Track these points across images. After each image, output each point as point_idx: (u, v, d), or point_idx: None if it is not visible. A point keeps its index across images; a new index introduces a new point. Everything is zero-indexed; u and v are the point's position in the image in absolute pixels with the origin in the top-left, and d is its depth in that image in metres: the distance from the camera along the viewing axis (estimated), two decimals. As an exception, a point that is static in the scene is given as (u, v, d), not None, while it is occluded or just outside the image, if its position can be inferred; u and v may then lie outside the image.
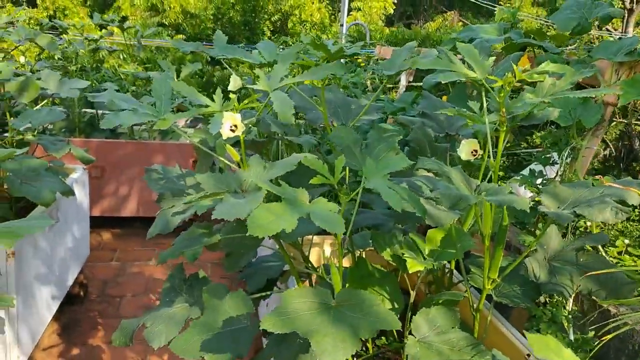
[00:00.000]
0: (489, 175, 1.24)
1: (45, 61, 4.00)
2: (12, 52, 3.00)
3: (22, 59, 3.86)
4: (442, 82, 2.50)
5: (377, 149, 1.22)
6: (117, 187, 4.07)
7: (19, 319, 2.03)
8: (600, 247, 1.68)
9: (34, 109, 2.49)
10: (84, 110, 4.16)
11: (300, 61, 1.27)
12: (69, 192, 2.26)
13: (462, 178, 1.09)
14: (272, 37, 17.93)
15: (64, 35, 4.28)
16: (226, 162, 1.26)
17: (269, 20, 17.81)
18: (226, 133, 1.16)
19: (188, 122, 5.03)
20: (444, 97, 2.36)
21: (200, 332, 1.19)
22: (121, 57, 8.25)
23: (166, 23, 16.08)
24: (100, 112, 4.30)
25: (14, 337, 2.00)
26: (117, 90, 4.36)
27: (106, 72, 5.15)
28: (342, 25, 8.31)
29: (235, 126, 1.18)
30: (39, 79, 2.62)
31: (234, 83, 1.68)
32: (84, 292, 3.06)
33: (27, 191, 1.92)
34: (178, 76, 4.54)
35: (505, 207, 1.13)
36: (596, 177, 1.60)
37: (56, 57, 4.28)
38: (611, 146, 3.86)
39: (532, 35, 1.92)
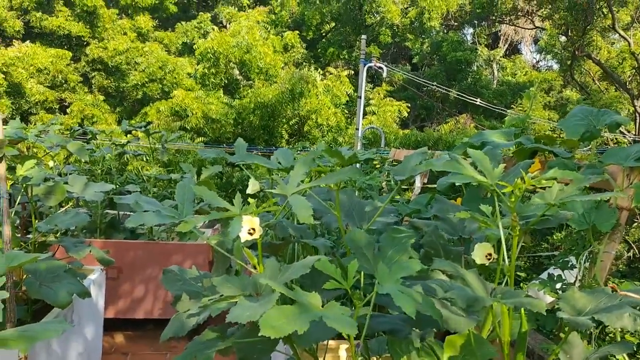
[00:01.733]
0: (505, 279, 1.24)
1: (73, 165, 4.17)
2: (43, 158, 3.16)
3: (51, 163, 4.03)
4: (456, 184, 2.54)
5: (390, 252, 1.24)
6: (133, 288, 4.06)
7: None
8: (626, 356, 1.61)
9: (59, 211, 2.56)
10: (106, 211, 4.27)
11: (315, 168, 1.33)
12: (85, 293, 2.27)
13: (477, 280, 1.09)
14: (290, 140, 18.58)
15: (92, 140, 4.50)
16: (243, 264, 1.28)
17: (287, 124, 18.54)
18: (244, 236, 1.19)
19: (206, 222, 5.11)
20: (459, 199, 2.39)
21: None
22: (144, 159, 8.57)
23: (188, 127, 16.82)
24: (121, 213, 4.40)
25: None
26: (140, 192, 4.49)
27: (129, 174, 5.34)
28: (357, 129, 8.63)
29: (253, 229, 1.21)
30: (66, 182, 2.73)
31: (253, 187, 1.74)
32: (92, 399, 2.96)
33: (45, 294, 1.93)
34: (199, 178, 4.69)
35: (523, 311, 1.12)
36: (615, 282, 1.57)
37: (83, 161, 4.47)
38: (634, 247, 3.79)
39: (542, 141, 1.98)
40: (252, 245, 1.39)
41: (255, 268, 1.30)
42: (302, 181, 1.25)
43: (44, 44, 18.69)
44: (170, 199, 4.55)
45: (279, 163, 1.47)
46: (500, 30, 30.10)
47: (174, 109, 17.01)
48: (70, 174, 3.87)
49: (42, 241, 2.67)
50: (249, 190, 1.75)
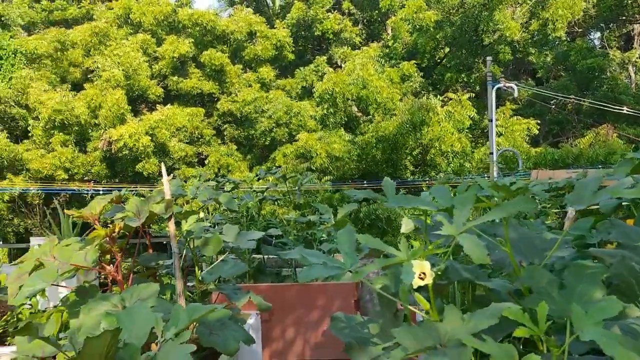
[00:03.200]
0: None
1: (220, 214, 4.45)
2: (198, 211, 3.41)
3: (202, 214, 4.33)
4: (623, 203, 2.30)
5: (578, 291, 1.12)
6: (284, 330, 4.17)
7: None
8: None
9: (218, 261, 2.73)
10: (253, 256, 4.48)
11: (479, 204, 1.27)
12: (250, 340, 2.36)
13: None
14: (415, 171, 18.36)
15: (235, 189, 4.79)
16: (415, 310, 1.24)
17: (411, 155, 18.38)
18: (416, 281, 1.16)
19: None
20: (629, 221, 2.16)
21: None
22: (276, 202, 8.94)
23: (313, 168, 17.34)
24: (266, 257, 4.60)
25: None
26: (282, 235, 4.66)
27: (269, 218, 5.58)
28: (492, 153, 8.29)
29: (424, 274, 1.17)
30: (221, 232, 2.90)
31: (407, 226, 1.71)
32: None
33: (215, 342, 2.03)
34: (335, 217, 4.77)
35: None
36: None
37: (228, 210, 4.76)
38: None
39: None
40: (420, 288, 1.35)
41: (427, 313, 1.26)
42: (468, 219, 1.19)
43: (181, 104, 20.57)
44: (311, 241, 4.67)
45: (437, 203, 1.42)
46: (632, 30, 27.61)
47: (299, 152, 17.70)
48: (218, 223, 4.14)
49: (204, 290, 2.85)
50: (403, 230, 1.72)
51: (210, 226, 3.92)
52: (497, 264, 1.34)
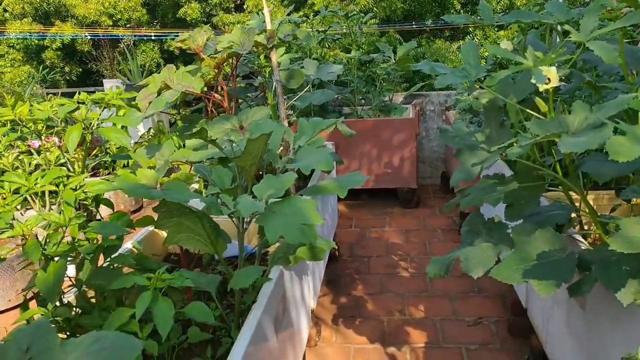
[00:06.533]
0: None
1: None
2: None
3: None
4: None
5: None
6: (349, 162, 4.48)
7: (313, 269, 2.44)
8: None
9: (304, 91, 2.90)
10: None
11: (604, 14, 1.35)
12: (340, 161, 2.61)
13: None
14: (462, 11, 17.46)
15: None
16: (534, 113, 1.39)
17: (459, -8, 17.37)
18: (542, 85, 1.30)
19: (405, 99, 5.29)
20: None
21: (517, 264, 1.36)
22: (326, 45, 8.83)
23: (357, 10, 16.66)
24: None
25: (312, 283, 2.41)
26: (346, 73, 4.77)
27: (333, 57, 5.63)
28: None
29: (549, 79, 1.31)
30: (302, 67, 3.04)
31: (506, 46, 1.80)
32: (337, 252, 3.48)
33: (320, 158, 2.27)
34: (395, 55, 4.81)
35: None
36: None
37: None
38: None
39: None
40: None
41: (545, 115, 1.41)
42: (597, 27, 1.29)
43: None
44: (373, 78, 4.77)
45: (554, 18, 1.50)
46: None
47: (340, -7, 16.92)
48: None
49: (289, 120, 3.07)
50: (502, 46, 1.83)
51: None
52: (606, 73, 1.46)
